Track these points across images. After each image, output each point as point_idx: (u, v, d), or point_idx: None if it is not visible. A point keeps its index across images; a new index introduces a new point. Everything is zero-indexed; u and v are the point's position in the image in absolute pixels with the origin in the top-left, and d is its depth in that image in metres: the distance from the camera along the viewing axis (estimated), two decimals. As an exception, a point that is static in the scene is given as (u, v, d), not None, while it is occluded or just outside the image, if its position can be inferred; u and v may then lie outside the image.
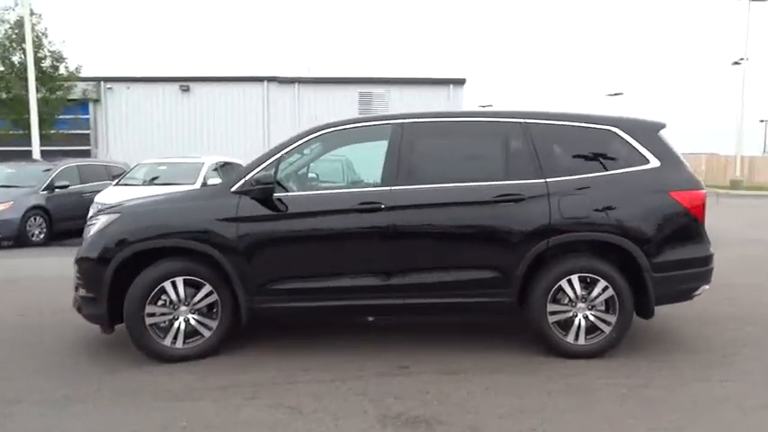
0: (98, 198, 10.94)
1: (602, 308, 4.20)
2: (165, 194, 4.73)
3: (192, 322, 4.25)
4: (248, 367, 4.11)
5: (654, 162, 4.30)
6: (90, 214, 5.07)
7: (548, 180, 4.21)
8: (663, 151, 4.34)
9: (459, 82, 23.20)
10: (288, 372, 4.03)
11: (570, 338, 4.21)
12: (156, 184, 11.48)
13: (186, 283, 4.20)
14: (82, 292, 4.32)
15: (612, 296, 4.17)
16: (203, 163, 11.94)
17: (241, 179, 4.29)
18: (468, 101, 25.86)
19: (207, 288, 4.22)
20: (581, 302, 4.20)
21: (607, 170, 4.28)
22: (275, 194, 4.18)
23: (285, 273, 4.22)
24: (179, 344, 4.23)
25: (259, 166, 4.32)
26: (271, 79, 24.09)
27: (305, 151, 4.59)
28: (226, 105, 23.96)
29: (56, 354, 4.51)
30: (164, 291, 4.18)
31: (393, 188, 4.20)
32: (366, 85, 23.58)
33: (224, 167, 12.56)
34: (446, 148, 4.44)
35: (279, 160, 4.32)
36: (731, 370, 4.04)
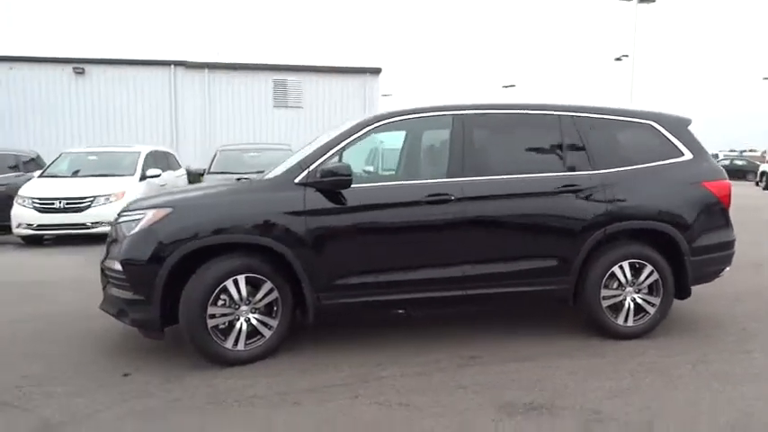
0: (23, 191, 9.86)
1: (648, 291, 4.49)
2: (214, 186, 4.40)
3: (254, 322, 4.02)
4: (313, 368, 3.94)
5: (687, 154, 4.64)
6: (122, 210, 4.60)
7: (600, 172, 4.41)
8: (693, 144, 4.69)
9: (375, 71, 23.25)
10: (362, 369, 3.92)
11: (620, 320, 4.46)
12: (87, 176, 10.57)
13: (247, 281, 3.96)
14: (127, 294, 3.94)
15: (657, 280, 4.46)
16: (139, 152, 11.15)
17: (303, 170, 4.10)
18: (383, 90, 26.07)
19: (267, 285, 4.01)
20: (630, 287, 4.46)
21: (648, 162, 4.55)
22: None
23: (353, 267, 4.10)
24: (240, 345, 3.98)
25: (321, 156, 4.15)
26: (178, 63, 22.74)
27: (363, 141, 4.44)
28: (128, 91, 22.31)
29: (96, 364, 4.08)
30: (225, 290, 3.91)
31: (461, 180, 4.20)
32: (281, 73, 22.97)
33: (157, 157, 11.80)
34: (505, 140, 4.50)
35: (341, 151, 4.18)
36: (758, 342, 4.48)
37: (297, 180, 4.08)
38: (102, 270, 4.23)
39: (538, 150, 4.48)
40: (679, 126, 4.72)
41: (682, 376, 3.80)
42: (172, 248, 3.85)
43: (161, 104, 22.58)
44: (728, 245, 4.70)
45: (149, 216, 3.96)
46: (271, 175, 4.38)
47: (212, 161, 11.18)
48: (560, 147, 4.46)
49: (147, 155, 11.16)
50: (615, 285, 4.44)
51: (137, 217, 4.03)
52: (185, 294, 3.85)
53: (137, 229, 3.96)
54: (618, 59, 33.48)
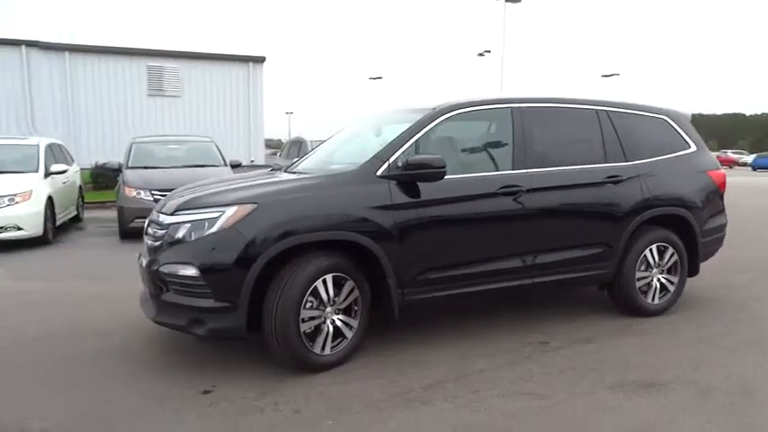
0: None
1: (668, 271, 4.94)
2: (289, 180, 4.05)
3: (338, 324, 3.81)
4: (406, 367, 3.83)
5: (693, 147, 5.17)
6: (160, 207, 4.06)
7: (634, 163, 4.77)
8: (696, 137, 5.23)
9: (259, 60, 22.46)
10: (455, 363, 3.89)
11: (649, 300, 4.86)
12: None
13: (333, 280, 3.74)
14: (205, 302, 3.53)
15: (676, 261, 4.93)
16: (38, 145, 9.79)
17: (384, 162, 3.94)
18: (267, 80, 25.26)
19: (350, 284, 3.82)
20: (655, 268, 4.87)
21: (666, 153, 4.99)
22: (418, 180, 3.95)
23: (436, 260, 4.03)
24: (327, 349, 3.76)
25: (400, 148, 4.02)
26: (31, 44, 20.16)
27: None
28: (-31, 73, 19.42)
29: (154, 383, 3.61)
30: (315, 291, 3.66)
31: (528, 171, 4.31)
32: (156, 59, 21.30)
33: (55, 150, 10.48)
34: (556, 133, 4.66)
35: (417, 142, 4.08)
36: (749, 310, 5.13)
37: (379, 173, 3.92)
38: (155, 276, 3.74)
39: (582, 143, 4.72)
40: (684, 120, 5.24)
41: (733, 346, 4.24)
42: (261, 248, 3.53)
43: (11, 92, 19.89)
44: (724, 227, 5.32)
45: (231, 213, 3.58)
46: (345, 168, 4.14)
47: (129, 154, 10.13)
48: (601, 139, 4.74)
49: (46, 147, 9.85)
50: (644, 267, 4.83)
51: (211, 215, 3.62)
52: (275, 298, 3.55)
53: (215, 229, 3.56)
54: (481, 54, 35.63)
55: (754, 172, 41.74)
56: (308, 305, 3.65)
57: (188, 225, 3.66)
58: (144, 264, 3.98)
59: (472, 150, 4.52)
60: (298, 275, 3.59)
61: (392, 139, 4.15)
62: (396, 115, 4.85)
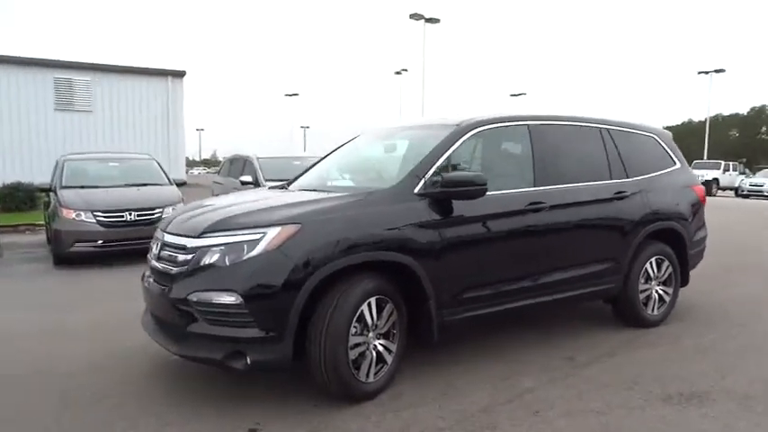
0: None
1: (664, 282, 5.13)
2: (326, 199, 3.76)
3: (380, 348, 3.62)
4: (448, 390, 3.71)
5: (678, 164, 5.43)
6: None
7: (636, 179, 4.93)
8: (679, 155, 5.51)
9: (179, 74, 21.54)
10: (500, 383, 3.81)
11: (650, 311, 5.02)
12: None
13: (375, 303, 3.56)
14: (247, 332, 3.23)
15: (671, 272, 5.13)
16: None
17: (420, 179, 3.81)
18: (187, 95, 24.23)
19: (390, 306, 3.65)
20: (654, 280, 5.05)
21: (658, 170, 5.21)
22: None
23: (472, 280, 3.94)
24: (371, 376, 3.55)
25: (433, 165, 3.90)
26: None
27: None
28: None
29: (191, 424, 3.24)
30: (360, 316, 3.46)
31: (549, 188, 4.33)
32: (65, 71, 19.91)
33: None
34: (569, 149, 4.71)
35: (450, 159, 3.98)
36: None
37: (416, 190, 3.78)
38: (179, 305, 3.38)
39: (591, 160, 4.81)
40: (668, 139, 5.50)
41: (733, 351, 4.45)
42: (308, 272, 3.28)
43: None
44: (705, 239, 5.61)
45: (275, 234, 3.30)
46: (380, 186, 3.96)
47: (61, 174, 9.27)
48: (605, 156, 4.86)
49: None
50: (644, 280, 4.99)
51: (250, 236, 3.32)
52: (323, 325, 3.30)
53: (258, 251, 3.27)
54: (398, 73, 36.33)
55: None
56: (354, 331, 3.43)
57: (221, 248, 3.35)
58: (158, 291, 3.60)
59: (496, 167, 4.48)
60: (346, 300, 3.37)
61: (421, 155, 4.03)
62: (407, 132, 4.75)
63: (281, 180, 10.37)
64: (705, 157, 41.79)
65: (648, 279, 5.00)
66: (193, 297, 3.32)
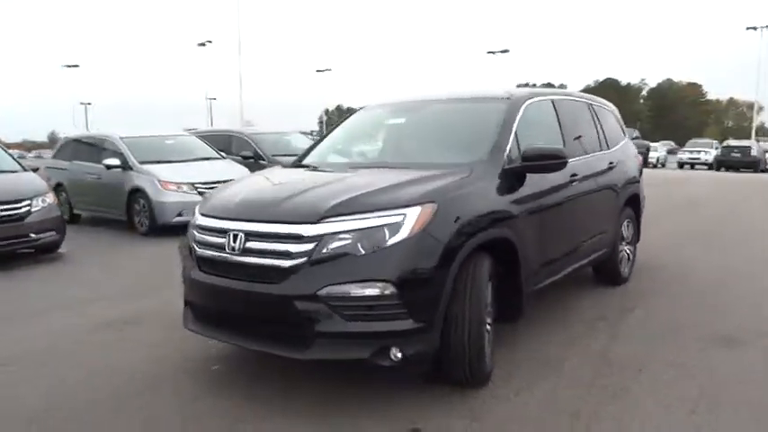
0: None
1: (628, 242, 5.71)
2: (437, 176, 3.41)
3: (488, 329, 3.51)
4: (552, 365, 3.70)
5: (626, 136, 6.05)
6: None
7: (612, 150, 5.38)
8: (624, 128, 6.13)
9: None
10: (567, 376, 3.66)
11: (623, 269, 5.57)
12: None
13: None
14: (398, 324, 2.90)
15: (634, 232, 5.75)
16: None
17: (502, 154, 3.73)
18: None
19: (490, 285, 3.57)
20: (624, 241, 5.61)
21: (620, 141, 5.74)
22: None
23: (542, 250, 3.98)
24: (487, 360, 3.43)
25: (509, 139, 3.84)
26: None
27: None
28: None
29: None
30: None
31: (578, 159, 4.53)
32: None
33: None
34: (577, 123, 4.92)
35: (516, 133, 3.95)
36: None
37: (507, 165, 3.70)
38: (303, 304, 2.91)
39: (590, 132, 5.12)
40: (618, 114, 6.08)
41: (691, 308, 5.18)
42: (453, 254, 3.04)
43: None
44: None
45: (416, 215, 2.98)
46: (455, 161, 3.76)
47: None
48: (596, 129, 5.23)
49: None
50: (621, 242, 5.51)
51: (389, 219, 2.96)
52: (464, 309, 3.10)
53: (404, 235, 2.93)
54: (202, 45, 35.41)
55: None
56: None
57: (353, 234, 2.94)
58: (253, 290, 3.05)
59: (537, 140, 4.52)
60: (481, 280, 3.20)
61: (484, 130, 3.97)
62: (446, 105, 4.69)
63: (160, 162, 9.34)
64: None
65: (622, 240, 5.54)
66: (327, 292, 2.88)
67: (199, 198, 8.81)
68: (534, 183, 3.87)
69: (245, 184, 3.89)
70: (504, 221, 3.50)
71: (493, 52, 53.41)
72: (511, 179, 3.69)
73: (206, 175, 9.27)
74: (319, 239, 2.94)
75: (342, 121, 5.03)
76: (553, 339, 4.13)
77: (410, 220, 2.97)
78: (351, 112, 5.07)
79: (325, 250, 2.93)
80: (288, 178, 3.96)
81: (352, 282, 2.88)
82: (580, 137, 4.84)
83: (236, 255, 3.15)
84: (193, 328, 3.51)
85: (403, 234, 2.94)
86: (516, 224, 3.61)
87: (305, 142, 12.76)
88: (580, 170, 4.50)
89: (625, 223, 5.52)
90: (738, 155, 27.88)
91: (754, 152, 27.82)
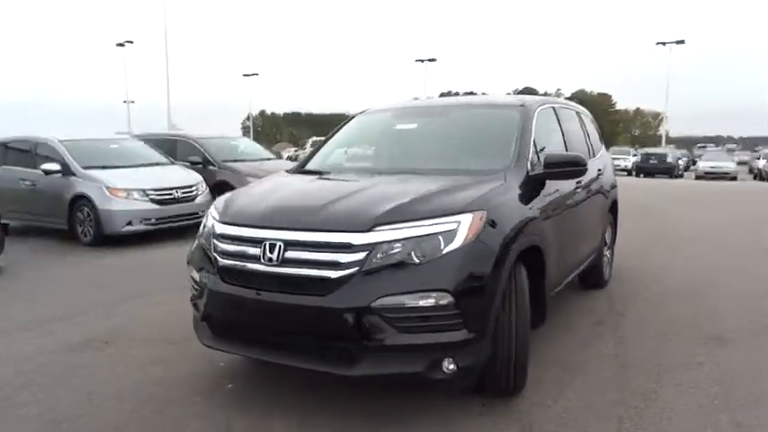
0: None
1: (608, 246, 5.88)
2: (480, 182, 3.38)
3: (521, 338, 3.48)
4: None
5: (602, 143, 6.23)
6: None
7: (598, 157, 5.52)
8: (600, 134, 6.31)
9: None
10: (593, 380, 3.69)
11: (606, 273, 5.72)
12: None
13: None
14: (453, 335, 2.80)
15: (612, 236, 5.92)
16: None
17: (527, 161, 3.71)
18: None
19: None
20: (607, 245, 5.76)
21: (601, 149, 5.89)
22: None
23: (560, 258, 3.98)
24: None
25: (530, 146, 3.83)
26: None
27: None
28: None
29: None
30: (525, 305, 3.30)
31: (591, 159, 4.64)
32: None
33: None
34: (573, 129, 4.97)
35: (535, 140, 3.95)
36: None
37: (532, 172, 3.68)
38: (362, 316, 2.75)
39: (579, 139, 5.19)
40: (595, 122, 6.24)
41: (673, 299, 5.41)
42: (503, 262, 2.98)
43: None
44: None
45: (469, 222, 2.90)
46: (477, 168, 3.72)
47: None
48: (585, 137, 5.33)
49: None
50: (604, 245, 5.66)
51: (442, 227, 2.86)
52: (510, 317, 3.05)
53: (459, 243, 2.83)
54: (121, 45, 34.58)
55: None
56: (526, 322, 3.27)
57: (405, 242, 2.81)
58: (298, 302, 2.86)
59: (547, 146, 4.56)
60: (523, 287, 3.16)
61: (500, 136, 4.00)
62: (455, 112, 4.70)
63: (106, 168, 8.75)
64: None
65: (605, 244, 5.69)
66: (379, 303, 2.74)
67: (152, 206, 8.53)
68: (550, 189, 3.89)
69: (264, 191, 3.66)
70: (534, 228, 3.48)
71: (421, 60, 54.13)
72: (535, 185, 3.69)
73: (158, 181, 8.89)
74: (372, 248, 2.80)
75: (341, 127, 4.87)
76: (565, 344, 4.16)
77: (464, 227, 2.89)
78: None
79: (377, 259, 2.79)
80: (311, 185, 3.79)
81: (408, 292, 2.75)
82: (575, 143, 4.91)
83: (273, 265, 2.94)
84: (212, 343, 3.27)
85: (458, 242, 2.84)
86: (543, 230, 3.60)
87: (255, 148, 12.42)
88: (582, 177, 4.57)
89: (609, 228, 5.67)
90: (656, 162, 29.68)
91: (669, 159, 29.70)
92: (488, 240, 2.94)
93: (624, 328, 4.53)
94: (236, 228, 3.19)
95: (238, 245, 3.12)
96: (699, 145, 62.84)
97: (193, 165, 10.23)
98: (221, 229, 3.25)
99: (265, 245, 2.98)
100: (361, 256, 2.80)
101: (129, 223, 8.40)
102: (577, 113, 5.40)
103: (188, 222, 8.83)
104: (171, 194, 8.81)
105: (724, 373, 3.67)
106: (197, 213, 8.77)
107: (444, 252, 2.82)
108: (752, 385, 3.49)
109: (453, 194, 3.16)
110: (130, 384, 3.60)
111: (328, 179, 3.96)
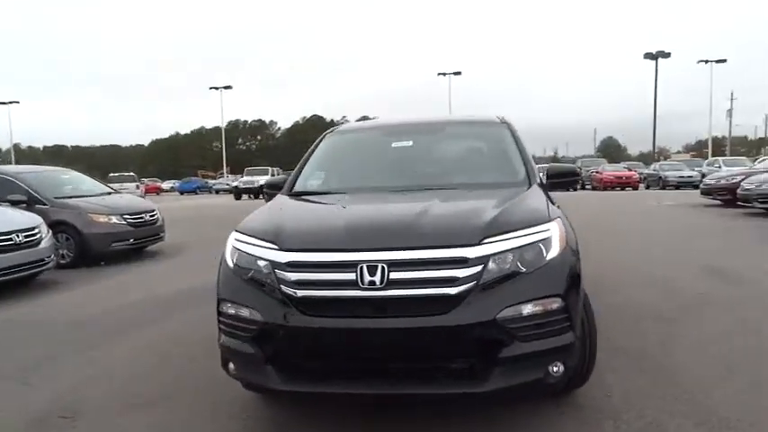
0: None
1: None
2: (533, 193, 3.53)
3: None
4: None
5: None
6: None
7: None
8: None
9: None
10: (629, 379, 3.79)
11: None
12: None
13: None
14: (568, 338, 2.87)
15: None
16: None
17: (535, 174, 3.97)
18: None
19: None
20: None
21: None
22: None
23: None
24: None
25: (528, 159, 4.13)
26: None
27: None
28: None
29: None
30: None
31: None
32: None
33: None
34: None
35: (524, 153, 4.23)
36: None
37: (539, 182, 3.92)
38: (488, 331, 2.71)
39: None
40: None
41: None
42: (580, 264, 3.14)
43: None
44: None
45: (557, 230, 3.04)
46: (486, 180, 3.94)
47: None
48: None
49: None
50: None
51: (537, 235, 2.95)
52: (586, 321, 3.23)
53: (557, 249, 2.94)
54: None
55: (182, 196, 49.66)
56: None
57: (515, 252, 2.86)
58: (415, 325, 2.72)
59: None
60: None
61: (492, 150, 4.33)
62: (441, 129, 4.77)
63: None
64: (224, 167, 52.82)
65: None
66: (502, 315, 2.72)
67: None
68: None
69: (313, 214, 3.39)
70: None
71: (444, 74, 57.23)
72: (548, 194, 3.93)
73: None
74: (485, 261, 2.78)
75: (314, 149, 4.61)
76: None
77: (555, 234, 3.00)
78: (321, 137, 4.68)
79: (492, 272, 2.78)
80: (361, 205, 3.61)
81: (525, 301, 2.78)
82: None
83: (376, 289, 2.74)
84: (284, 387, 2.86)
85: (555, 248, 2.95)
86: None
87: (90, 182, 11.35)
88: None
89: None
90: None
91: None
92: (572, 244, 3.10)
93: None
94: (314, 254, 2.91)
95: (322, 272, 2.85)
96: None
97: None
98: (289, 257, 2.92)
99: (361, 268, 2.77)
100: (476, 269, 2.76)
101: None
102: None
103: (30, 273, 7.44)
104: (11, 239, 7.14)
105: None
106: (42, 260, 7.51)
107: (548, 259, 2.90)
108: None
109: (523, 205, 3.32)
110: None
111: (365, 200, 3.78)
